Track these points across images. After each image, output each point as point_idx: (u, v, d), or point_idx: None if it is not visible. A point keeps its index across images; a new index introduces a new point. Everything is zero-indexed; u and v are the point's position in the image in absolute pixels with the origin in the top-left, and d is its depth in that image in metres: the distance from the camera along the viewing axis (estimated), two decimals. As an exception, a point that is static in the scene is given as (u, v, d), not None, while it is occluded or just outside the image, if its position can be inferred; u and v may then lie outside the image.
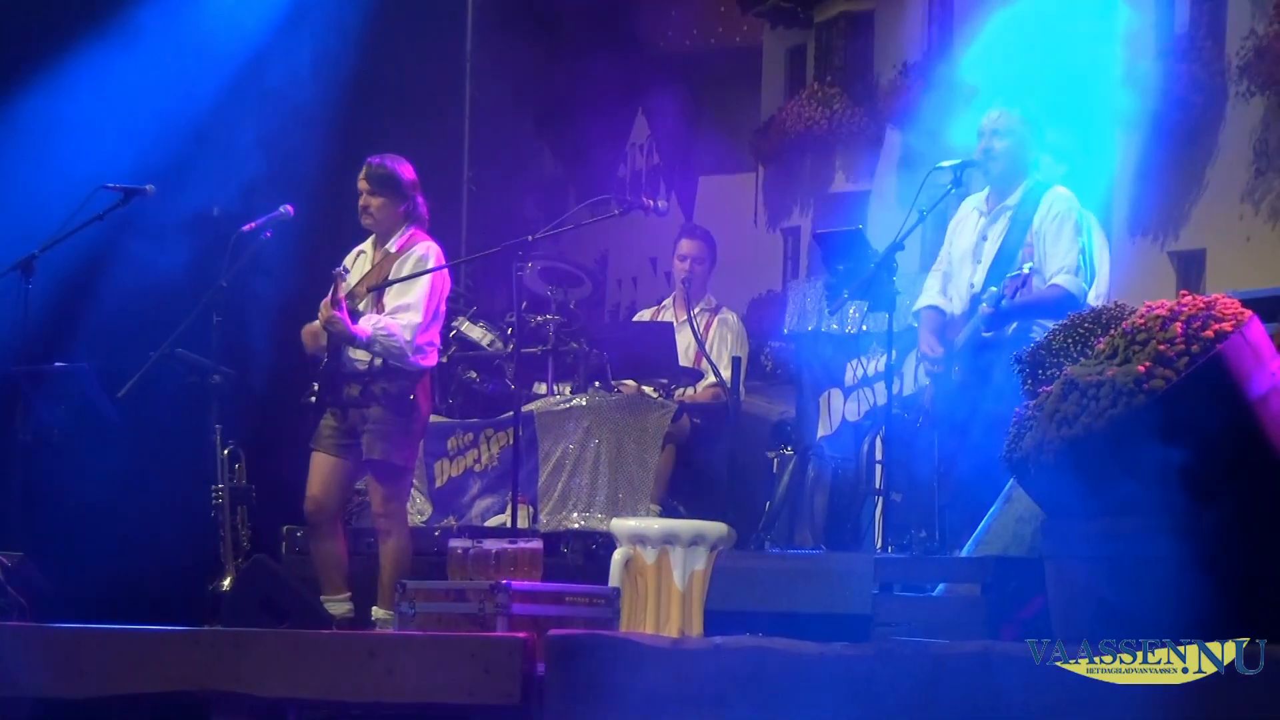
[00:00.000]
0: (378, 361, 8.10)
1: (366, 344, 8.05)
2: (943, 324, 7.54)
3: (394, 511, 8.21)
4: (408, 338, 8.09)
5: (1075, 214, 7.35)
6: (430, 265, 8.15)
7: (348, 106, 10.83)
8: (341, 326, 8.01)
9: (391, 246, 8.27)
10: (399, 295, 8.13)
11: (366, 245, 8.40)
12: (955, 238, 7.61)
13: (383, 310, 8.14)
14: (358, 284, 8.23)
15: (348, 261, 8.37)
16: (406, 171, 8.30)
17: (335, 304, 8.03)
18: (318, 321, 8.13)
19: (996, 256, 7.36)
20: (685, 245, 10.11)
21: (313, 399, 8.28)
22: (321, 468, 8.20)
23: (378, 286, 8.16)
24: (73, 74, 10.24)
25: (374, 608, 8.20)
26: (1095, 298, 8.21)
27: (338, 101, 10.78)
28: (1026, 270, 7.19)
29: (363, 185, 8.26)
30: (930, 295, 7.62)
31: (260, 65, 10.60)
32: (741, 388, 9.85)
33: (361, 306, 8.17)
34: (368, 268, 8.30)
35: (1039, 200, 7.38)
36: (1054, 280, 7.23)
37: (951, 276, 7.59)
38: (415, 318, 8.09)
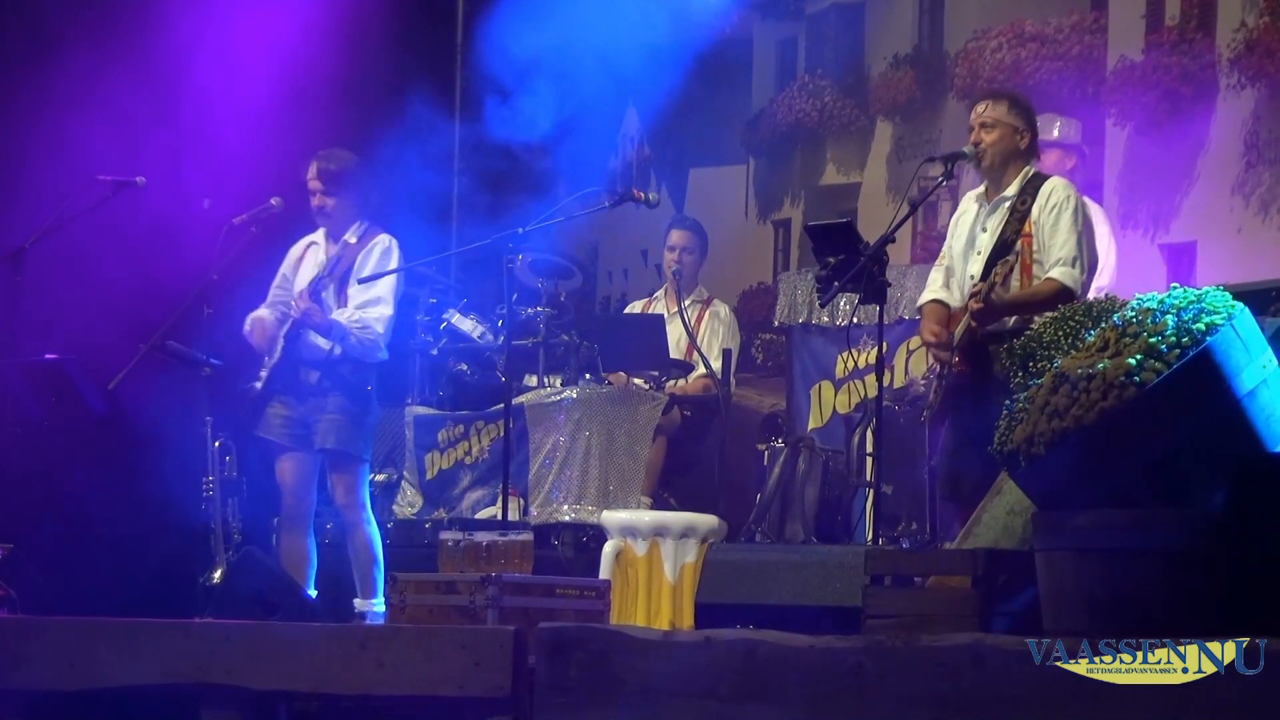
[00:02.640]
0: (336, 349, 8.14)
1: (341, 337, 8.10)
2: (946, 318, 7.51)
3: (358, 501, 8.29)
4: (380, 330, 8.18)
5: (1074, 204, 7.27)
6: (394, 258, 8.22)
7: (340, 99, 10.81)
8: (321, 318, 8.07)
9: (351, 238, 8.32)
10: (367, 289, 8.17)
11: (317, 236, 8.43)
12: (956, 230, 7.57)
13: (346, 302, 8.17)
14: (325, 275, 8.25)
15: (294, 252, 8.40)
16: (356, 164, 8.36)
17: (313, 295, 8.08)
18: (294, 309, 8.12)
19: (994, 247, 7.31)
20: (674, 236, 10.11)
21: (258, 385, 8.31)
22: (294, 467, 8.29)
23: (342, 278, 8.19)
24: (66, 65, 10.21)
25: (355, 600, 8.23)
26: (1098, 289, 8.19)
27: (330, 93, 10.76)
28: (1014, 261, 7.15)
29: (315, 184, 8.29)
30: (934, 290, 7.57)
31: (253, 56, 10.58)
32: (732, 380, 9.86)
33: (325, 297, 8.21)
34: (322, 258, 8.33)
35: (1037, 191, 7.31)
36: (1051, 274, 7.18)
37: (954, 270, 7.55)
38: (386, 310, 8.20)
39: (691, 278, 10.07)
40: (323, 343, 8.16)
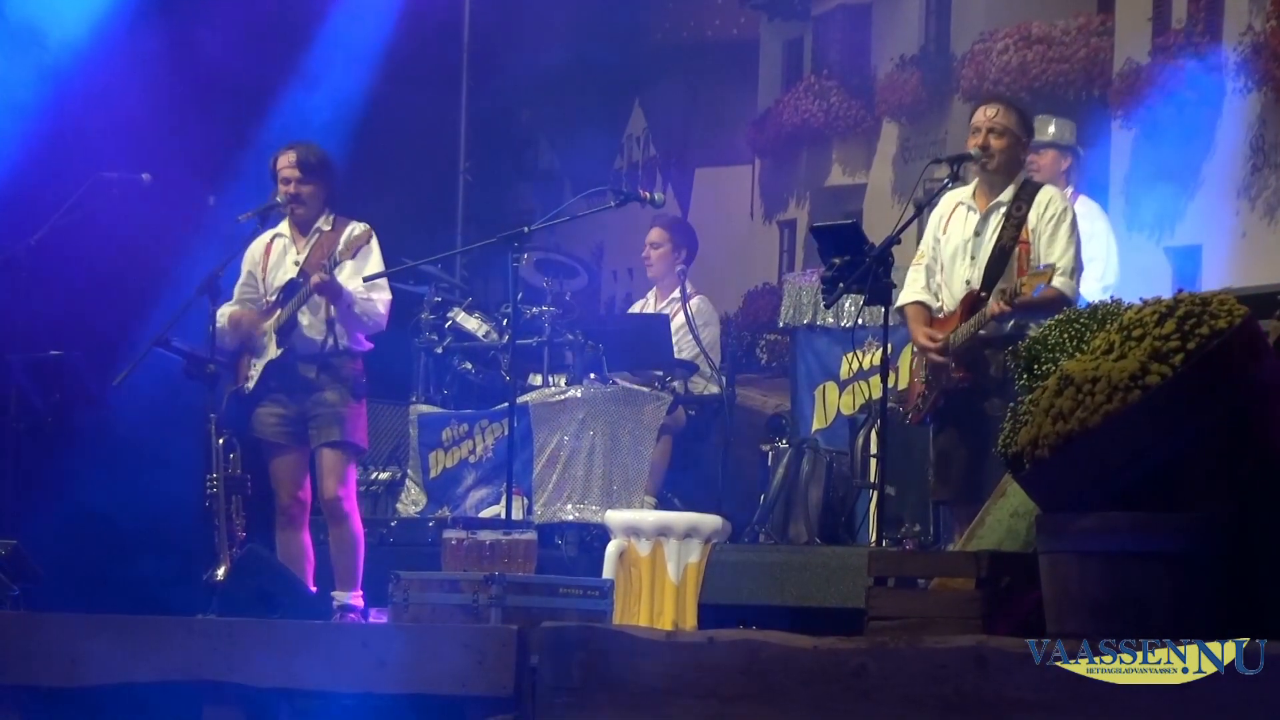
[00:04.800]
0: (330, 342, 8.16)
1: (349, 303, 8.12)
2: (930, 320, 7.54)
3: (352, 492, 8.37)
4: (382, 310, 8.24)
5: (1070, 215, 7.45)
6: (375, 244, 8.22)
7: (343, 98, 10.81)
8: (338, 286, 8.06)
9: (324, 225, 8.35)
10: (360, 272, 8.18)
11: (283, 229, 8.42)
12: (947, 233, 7.60)
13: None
14: (306, 263, 8.26)
15: (256, 250, 8.39)
16: (327, 154, 8.42)
17: (324, 267, 8.09)
18: (311, 280, 8.11)
19: (993, 253, 7.38)
20: (650, 233, 10.11)
21: (248, 385, 8.31)
22: (291, 465, 8.32)
23: (332, 265, 8.20)
24: (66, 63, 10.21)
25: (335, 592, 8.22)
26: (1104, 287, 8.26)
27: (332, 94, 10.76)
28: (1045, 274, 7.21)
29: (292, 172, 8.27)
30: (915, 291, 7.61)
31: (260, 62, 10.59)
32: (718, 364, 9.80)
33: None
34: (294, 249, 8.33)
35: (1033, 198, 7.43)
36: (1053, 283, 7.26)
37: (935, 272, 7.59)
38: (388, 294, 8.27)
39: (670, 274, 9.99)
40: (318, 335, 8.18)
